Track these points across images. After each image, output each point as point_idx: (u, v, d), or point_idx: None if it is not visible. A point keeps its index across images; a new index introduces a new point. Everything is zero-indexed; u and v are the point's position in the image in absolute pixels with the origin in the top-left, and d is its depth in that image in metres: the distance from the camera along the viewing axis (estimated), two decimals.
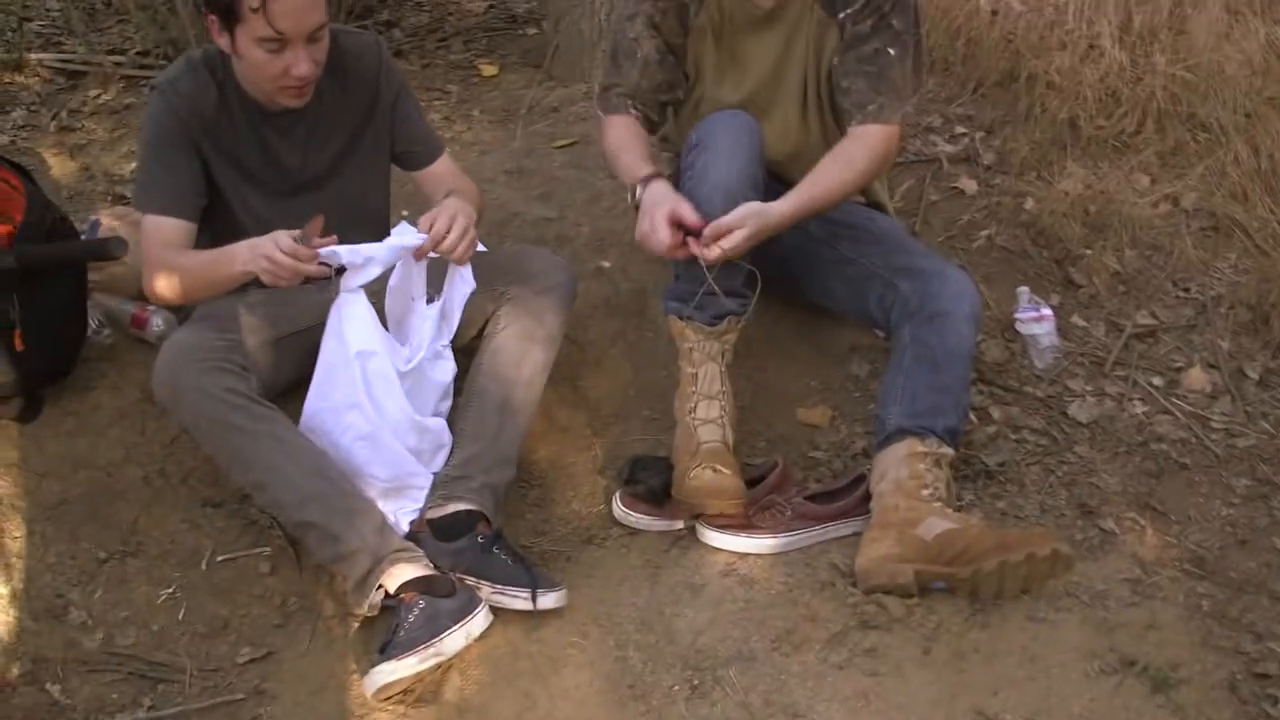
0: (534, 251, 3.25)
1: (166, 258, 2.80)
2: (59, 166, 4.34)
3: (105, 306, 3.28)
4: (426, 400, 2.92)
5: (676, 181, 3.00)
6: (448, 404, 2.99)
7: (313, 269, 2.64)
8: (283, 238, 2.62)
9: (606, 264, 3.59)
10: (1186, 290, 3.74)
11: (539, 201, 3.90)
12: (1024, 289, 3.59)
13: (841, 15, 2.96)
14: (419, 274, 2.87)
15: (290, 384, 2.94)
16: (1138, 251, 3.82)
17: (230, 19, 2.66)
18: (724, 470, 2.86)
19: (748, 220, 2.77)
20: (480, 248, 3.39)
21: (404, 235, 2.81)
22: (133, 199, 2.87)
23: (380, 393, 2.78)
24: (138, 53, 5.05)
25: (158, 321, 3.21)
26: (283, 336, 2.91)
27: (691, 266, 2.86)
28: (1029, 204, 3.89)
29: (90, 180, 4.26)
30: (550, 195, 3.93)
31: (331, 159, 3.00)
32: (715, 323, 2.94)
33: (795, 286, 3.27)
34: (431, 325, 2.89)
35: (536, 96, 4.65)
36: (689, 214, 2.80)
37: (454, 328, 2.93)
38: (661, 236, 2.79)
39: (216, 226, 2.91)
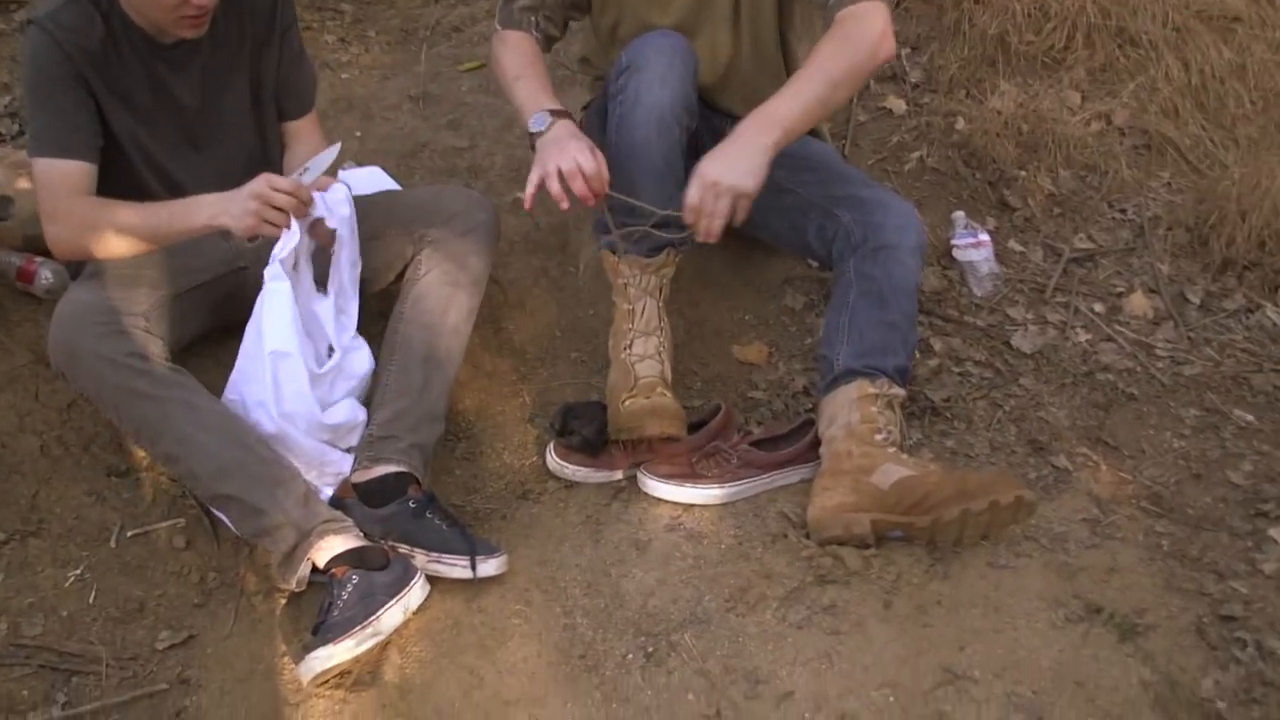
0: (453, 190, 3.06)
1: (88, 211, 2.57)
2: None
3: None
4: (344, 392, 2.73)
5: (601, 107, 2.85)
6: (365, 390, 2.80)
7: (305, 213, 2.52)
8: (276, 177, 2.47)
9: (522, 194, 3.40)
10: (1123, 211, 3.66)
11: (448, 130, 3.71)
12: (959, 214, 3.47)
13: None
14: (306, 263, 2.67)
15: (196, 340, 2.76)
16: (1072, 172, 3.72)
17: None
18: (664, 393, 2.72)
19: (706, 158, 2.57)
20: (392, 185, 3.20)
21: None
22: (28, 147, 2.60)
23: (289, 395, 2.58)
24: None
25: (46, 274, 2.95)
26: (184, 291, 2.69)
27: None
28: (960, 124, 3.76)
29: None
30: (460, 123, 3.74)
31: (231, 100, 2.77)
32: (653, 254, 2.77)
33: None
34: (331, 322, 2.70)
35: (436, 15, 4.42)
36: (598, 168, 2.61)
37: (354, 316, 2.75)
38: (580, 186, 2.59)
39: (111, 175, 2.65)
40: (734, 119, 2.97)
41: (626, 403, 2.72)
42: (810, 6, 2.83)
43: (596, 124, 2.92)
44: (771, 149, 2.54)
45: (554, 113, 2.70)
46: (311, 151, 2.81)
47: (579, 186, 2.58)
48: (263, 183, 2.47)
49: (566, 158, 2.58)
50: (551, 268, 3.28)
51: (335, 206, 2.63)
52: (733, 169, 2.52)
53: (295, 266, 2.59)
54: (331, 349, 2.69)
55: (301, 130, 2.93)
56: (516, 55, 2.88)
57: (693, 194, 2.54)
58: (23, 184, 3.06)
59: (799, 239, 2.97)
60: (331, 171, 2.69)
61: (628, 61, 2.75)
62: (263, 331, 2.54)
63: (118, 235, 2.56)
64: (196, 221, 2.53)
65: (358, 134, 3.69)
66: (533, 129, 2.71)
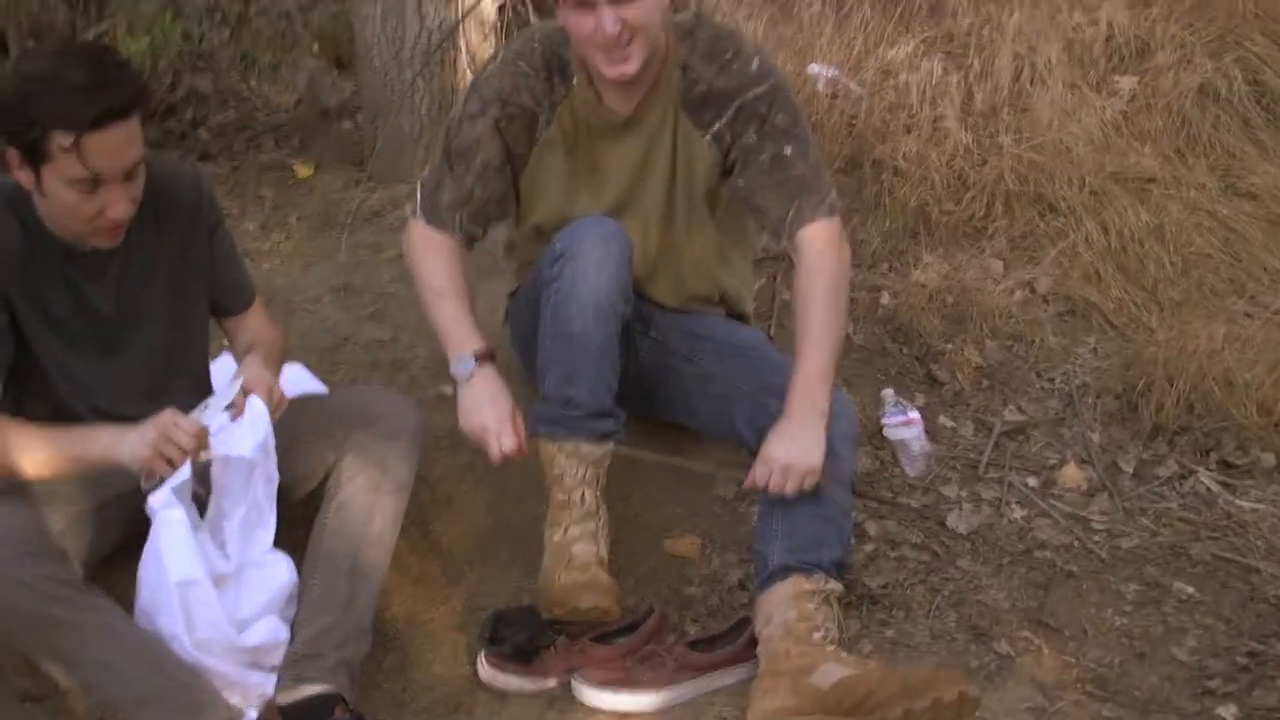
0: (376, 392, 3.02)
1: None
2: None
3: None
4: (260, 607, 2.63)
5: (530, 294, 2.84)
6: (292, 609, 2.69)
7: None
8: (179, 417, 2.43)
9: (449, 390, 3.35)
10: (1051, 380, 3.67)
11: (370, 322, 3.67)
12: (889, 392, 3.46)
13: (716, 127, 2.79)
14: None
15: (116, 549, 2.66)
16: (999, 342, 3.73)
17: (36, 157, 2.35)
18: (599, 570, 2.67)
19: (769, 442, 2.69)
20: (319, 387, 3.15)
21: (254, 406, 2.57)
22: None
23: (202, 624, 2.48)
24: None
25: None
26: (102, 503, 2.61)
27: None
28: (885, 299, 3.77)
29: None
30: (382, 314, 3.71)
31: (149, 304, 2.70)
32: (592, 442, 2.73)
33: (655, 404, 3.07)
34: (238, 538, 2.62)
35: (358, 199, 4.40)
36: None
37: (271, 531, 2.66)
38: (509, 445, 2.68)
39: (21, 385, 2.59)
40: (661, 309, 2.97)
41: (560, 578, 2.66)
42: (751, 210, 2.84)
43: (526, 312, 2.90)
44: (825, 415, 2.66)
45: (477, 356, 2.73)
46: (262, 339, 2.81)
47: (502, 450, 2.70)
48: (166, 421, 2.42)
49: (490, 424, 2.69)
50: (478, 462, 3.20)
51: (249, 430, 2.57)
52: (802, 450, 2.64)
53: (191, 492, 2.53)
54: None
55: (249, 322, 2.89)
56: (439, 265, 2.86)
57: (760, 476, 2.65)
58: None
59: (728, 427, 2.93)
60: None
61: (562, 248, 2.71)
62: (164, 563, 2.45)
63: (14, 460, 2.48)
64: (92, 454, 2.47)
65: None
66: (455, 371, 2.74)
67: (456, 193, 2.88)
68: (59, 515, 2.52)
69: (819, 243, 2.77)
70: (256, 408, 2.56)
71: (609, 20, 2.57)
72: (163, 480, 2.47)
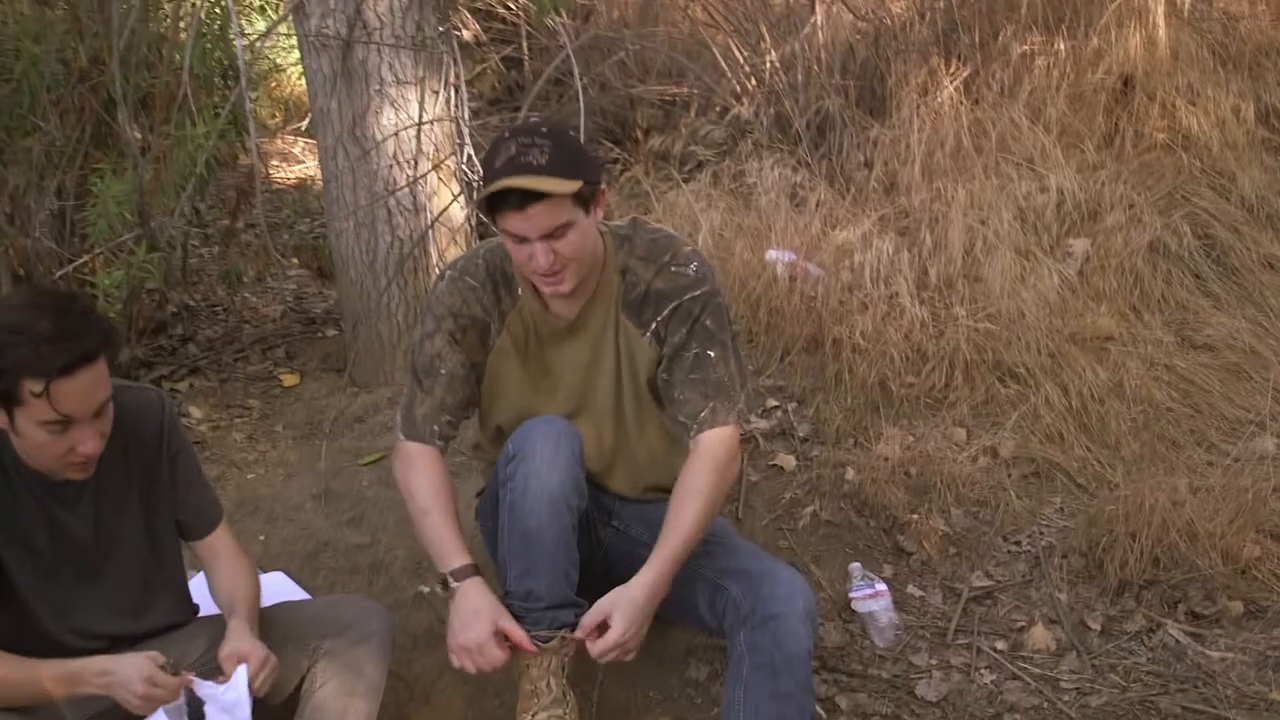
0: (346, 600, 3.09)
1: None
2: None
3: None
4: None
5: (493, 493, 2.91)
6: None
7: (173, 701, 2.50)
8: (146, 666, 2.48)
9: (425, 589, 3.45)
10: (1018, 544, 3.73)
11: (349, 527, 3.76)
12: (856, 565, 3.53)
13: (654, 325, 2.91)
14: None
15: None
16: (964, 510, 3.80)
17: (9, 401, 2.48)
18: None
19: (616, 610, 2.68)
20: (299, 594, 3.23)
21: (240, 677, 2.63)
22: None
23: None
24: None
25: None
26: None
27: None
28: (849, 474, 3.85)
29: None
30: (361, 519, 3.79)
31: (123, 528, 2.80)
32: (549, 639, 2.80)
33: None
34: None
35: (340, 405, 4.52)
36: (516, 631, 2.72)
37: None
38: (491, 657, 2.71)
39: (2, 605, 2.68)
40: (622, 499, 3.06)
41: None
42: (668, 400, 2.95)
43: (490, 510, 2.98)
44: (640, 619, 2.73)
45: (457, 573, 2.80)
46: (231, 566, 2.87)
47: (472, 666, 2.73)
48: (130, 670, 2.48)
49: (470, 644, 2.72)
50: None
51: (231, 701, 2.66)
52: (638, 629, 2.72)
53: None
54: None
55: (215, 545, 2.95)
56: (424, 481, 2.94)
57: (595, 641, 2.71)
58: None
59: (692, 612, 3.00)
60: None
61: (514, 449, 2.82)
62: None
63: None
64: (40, 686, 2.52)
65: (262, 538, 3.73)
66: (440, 589, 2.83)
67: (429, 405, 2.98)
68: None
69: (719, 448, 2.88)
70: (240, 680, 2.64)
71: (542, 253, 2.71)
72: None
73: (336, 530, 3.75)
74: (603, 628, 2.69)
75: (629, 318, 2.93)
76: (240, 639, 2.72)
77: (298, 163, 7.87)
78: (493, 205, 2.70)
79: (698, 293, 2.90)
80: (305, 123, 7.71)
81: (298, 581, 3.45)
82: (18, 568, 2.67)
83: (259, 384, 4.89)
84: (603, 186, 2.82)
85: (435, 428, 2.96)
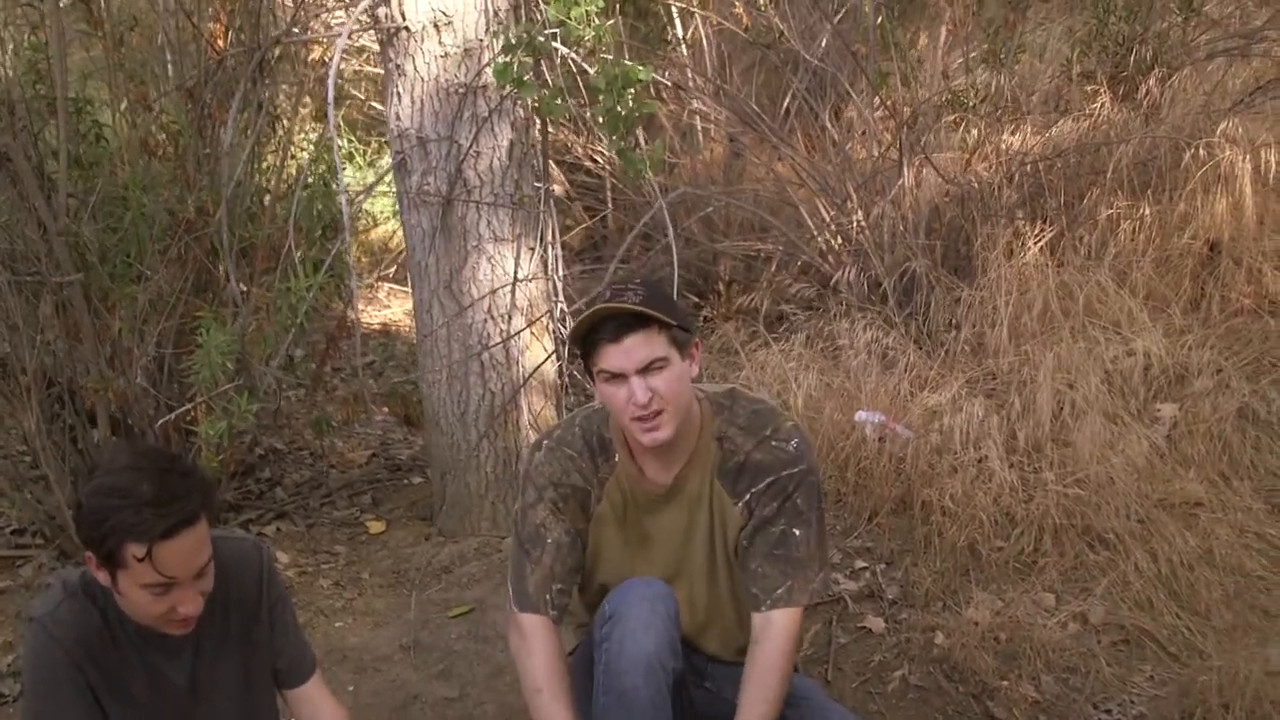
0: None
1: None
2: None
3: None
4: None
5: (586, 654, 2.93)
6: None
7: None
8: None
9: None
10: (1109, 712, 3.68)
11: (439, 680, 3.78)
12: None
13: (748, 496, 2.93)
14: None
15: None
16: (1054, 676, 3.77)
17: (112, 563, 2.52)
18: None
19: None
20: None
21: None
22: None
23: None
24: (12, 530, 4.92)
25: None
26: None
27: None
28: (939, 638, 3.84)
29: None
30: (450, 672, 3.81)
31: (222, 679, 2.84)
32: None
33: None
34: None
35: (427, 555, 4.56)
36: None
37: None
38: None
39: None
40: (716, 660, 3.08)
41: None
42: (743, 568, 2.98)
43: (582, 669, 3.00)
44: None
45: None
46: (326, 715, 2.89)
47: None
48: None
49: None
50: None
51: None
52: None
53: None
54: None
55: (311, 695, 2.97)
56: (535, 661, 2.93)
57: None
58: None
59: None
60: None
61: (611, 610, 2.85)
62: None
63: None
64: None
65: (351, 688, 3.76)
66: None
67: (539, 574, 2.99)
68: None
69: (793, 627, 2.92)
70: None
71: (639, 388, 2.75)
72: None
73: (426, 683, 3.77)
74: None
75: (724, 485, 2.96)
76: None
77: (383, 307, 8.00)
78: (587, 350, 2.77)
79: (795, 470, 2.92)
80: (393, 270, 7.86)
81: None
82: (117, 717, 2.71)
83: (345, 530, 4.94)
84: (695, 339, 2.87)
85: (548, 597, 2.96)
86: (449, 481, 4.71)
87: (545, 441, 3.03)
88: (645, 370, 2.73)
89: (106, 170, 4.74)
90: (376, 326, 7.65)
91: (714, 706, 3.06)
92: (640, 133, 6.51)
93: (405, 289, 7.13)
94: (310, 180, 5.01)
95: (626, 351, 2.72)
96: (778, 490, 2.91)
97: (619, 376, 2.76)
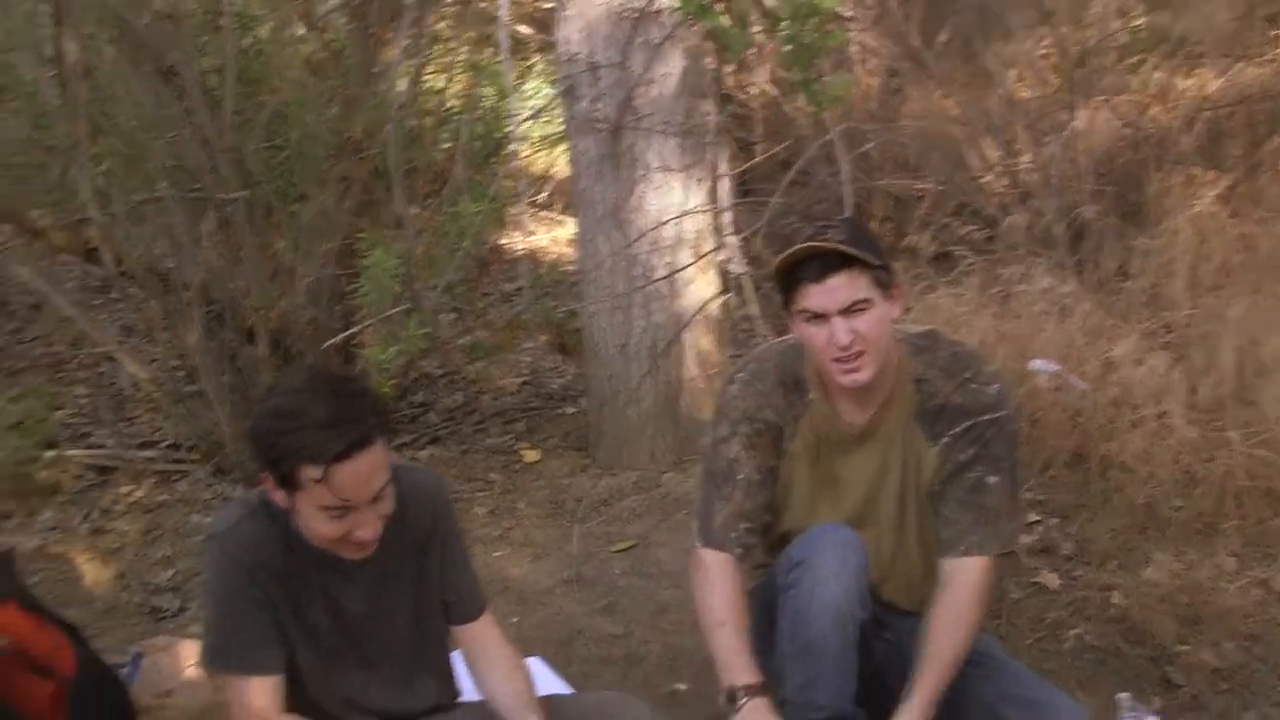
0: (615, 700, 3.02)
1: None
2: (92, 574, 4.19)
3: None
4: None
5: (765, 596, 2.86)
6: None
7: None
8: None
9: (682, 686, 3.40)
10: None
11: (603, 615, 3.74)
12: (1124, 695, 3.37)
13: (945, 440, 2.84)
14: None
15: None
16: (1235, 643, 3.64)
17: (289, 485, 2.47)
18: None
19: None
20: (560, 685, 3.19)
21: None
22: (203, 657, 2.65)
23: None
24: (169, 445, 4.95)
25: None
26: None
27: None
28: (1116, 598, 3.74)
29: (126, 590, 4.10)
30: (614, 607, 3.78)
31: (396, 605, 2.79)
32: None
33: (886, 705, 3.04)
34: None
35: (584, 487, 4.52)
36: None
37: None
38: None
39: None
40: (895, 610, 2.99)
41: None
42: (933, 513, 2.89)
43: (762, 613, 2.93)
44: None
45: (747, 689, 2.72)
46: (501, 659, 2.83)
47: None
48: None
49: None
50: None
51: None
52: None
53: None
54: None
55: (481, 633, 2.89)
56: (717, 597, 2.87)
57: None
58: (190, 673, 3.12)
59: None
60: None
61: (799, 557, 2.77)
62: None
63: None
64: None
65: (514, 619, 3.74)
66: (724, 704, 2.75)
67: (727, 511, 2.92)
68: None
69: (983, 577, 2.82)
70: None
71: (841, 329, 2.66)
72: None
73: (589, 619, 3.74)
74: None
75: (922, 428, 2.86)
76: None
77: (529, 233, 7.96)
78: (788, 287, 2.68)
79: (995, 415, 2.82)
80: (541, 196, 7.81)
81: (553, 669, 3.42)
82: (298, 645, 2.68)
83: (499, 457, 4.91)
84: (897, 281, 2.78)
85: (734, 535, 2.89)
86: (607, 414, 4.66)
87: (739, 375, 2.95)
88: (848, 311, 2.65)
89: (269, 88, 4.71)
90: (521, 252, 7.61)
91: (891, 659, 2.97)
92: None
93: (554, 215, 7.08)
94: (483, 104, 4.96)
95: (830, 292, 2.63)
96: (976, 435, 2.82)
97: (820, 317, 2.67)
